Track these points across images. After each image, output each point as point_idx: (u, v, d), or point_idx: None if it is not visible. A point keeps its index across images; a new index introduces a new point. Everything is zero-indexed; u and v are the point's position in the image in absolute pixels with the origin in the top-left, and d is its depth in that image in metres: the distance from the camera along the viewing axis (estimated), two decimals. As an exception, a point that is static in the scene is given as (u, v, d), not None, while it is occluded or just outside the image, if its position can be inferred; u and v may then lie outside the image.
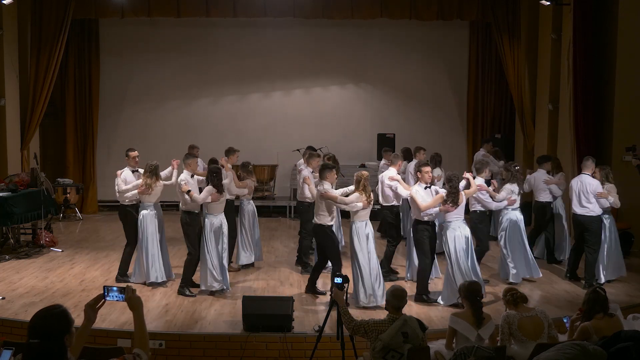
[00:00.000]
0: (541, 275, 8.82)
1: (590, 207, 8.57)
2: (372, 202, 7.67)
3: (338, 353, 5.66)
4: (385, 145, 13.05)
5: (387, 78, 15.13)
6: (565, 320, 5.88)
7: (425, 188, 7.86)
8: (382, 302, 7.25)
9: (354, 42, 14.92)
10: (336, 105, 15.22)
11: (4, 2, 11.47)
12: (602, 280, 8.65)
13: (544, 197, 9.70)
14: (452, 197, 7.55)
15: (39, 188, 10.62)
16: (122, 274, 8.62)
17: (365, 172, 7.72)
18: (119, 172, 8.84)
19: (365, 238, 7.59)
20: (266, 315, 6.58)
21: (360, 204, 7.58)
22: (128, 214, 8.60)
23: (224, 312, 7.29)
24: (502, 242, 8.78)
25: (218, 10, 13.43)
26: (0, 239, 10.12)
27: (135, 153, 8.85)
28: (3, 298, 7.63)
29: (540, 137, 13.11)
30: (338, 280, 5.44)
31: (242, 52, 14.83)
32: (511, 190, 8.66)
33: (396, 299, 5.07)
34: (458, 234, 7.64)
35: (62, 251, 10.31)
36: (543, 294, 8.26)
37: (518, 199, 8.76)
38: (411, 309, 7.22)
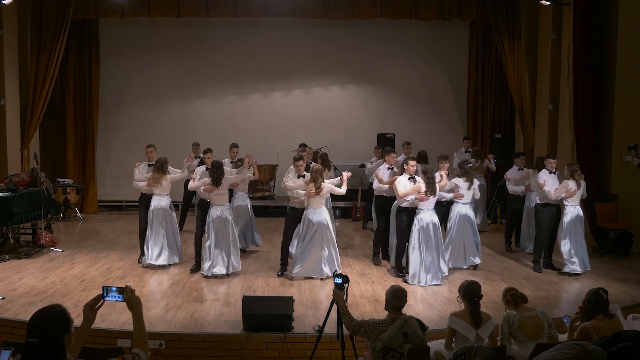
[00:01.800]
0: (476, 262, 9.39)
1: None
2: (321, 192, 8.54)
3: (338, 353, 5.66)
4: (386, 145, 13.06)
5: (387, 78, 15.13)
6: (565, 320, 5.87)
7: (409, 179, 8.79)
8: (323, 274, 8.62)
9: (354, 42, 14.92)
10: (336, 105, 15.22)
11: (4, 2, 11.47)
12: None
13: (510, 190, 10.80)
14: (430, 188, 8.54)
15: (39, 188, 10.61)
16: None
17: (317, 166, 8.77)
18: (137, 163, 9.79)
19: (309, 222, 8.59)
20: (266, 315, 6.58)
21: (302, 192, 8.69)
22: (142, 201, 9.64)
23: (224, 312, 7.29)
24: (449, 233, 9.45)
25: (218, 10, 13.41)
26: (0, 239, 10.11)
27: (149, 149, 9.78)
28: (3, 298, 7.63)
29: (540, 137, 13.11)
30: (338, 280, 5.44)
31: (242, 52, 14.83)
32: (456, 184, 9.33)
33: (396, 299, 5.06)
34: (427, 221, 8.58)
35: (62, 251, 10.31)
36: (543, 294, 8.27)
37: (467, 194, 9.35)
38: (411, 309, 7.23)
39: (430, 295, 8.10)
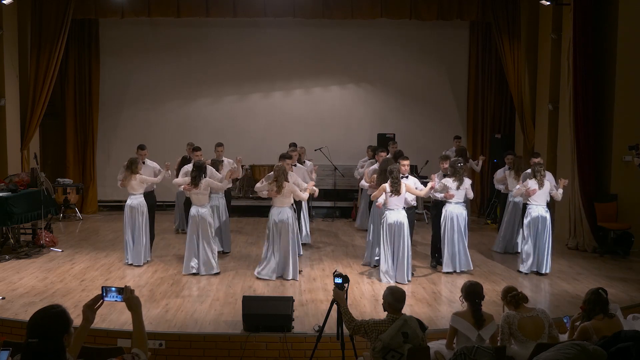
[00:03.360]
0: (471, 268, 9.25)
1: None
2: (282, 191, 8.59)
3: (338, 353, 5.66)
4: (386, 145, 13.08)
5: (387, 78, 15.13)
6: (565, 320, 5.86)
7: (401, 178, 8.78)
8: (289, 277, 8.67)
9: (354, 42, 14.92)
10: (336, 105, 15.22)
11: (4, 2, 11.47)
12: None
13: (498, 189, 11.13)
14: (394, 188, 8.50)
15: (39, 188, 10.61)
16: None
17: (280, 165, 8.78)
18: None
19: (274, 222, 8.65)
20: (266, 315, 6.58)
21: (265, 192, 8.79)
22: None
23: (224, 312, 7.29)
24: (442, 233, 9.31)
25: (218, 10, 13.41)
26: (0, 239, 10.11)
27: (143, 152, 10.02)
28: (3, 298, 7.62)
29: (540, 136, 13.11)
30: (338, 280, 5.44)
31: (242, 52, 14.84)
32: (444, 184, 9.17)
33: (396, 301, 5.05)
34: (393, 220, 8.56)
35: (62, 251, 10.31)
36: (543, 293, 8.27)
37: (458, 193, 9.20)
38: (412, 309, 7.23)
39: (430, 296, 8.10)
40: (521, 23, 13.59)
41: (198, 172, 8.93)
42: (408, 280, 8.63)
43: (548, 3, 11.66)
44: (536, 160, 9.68)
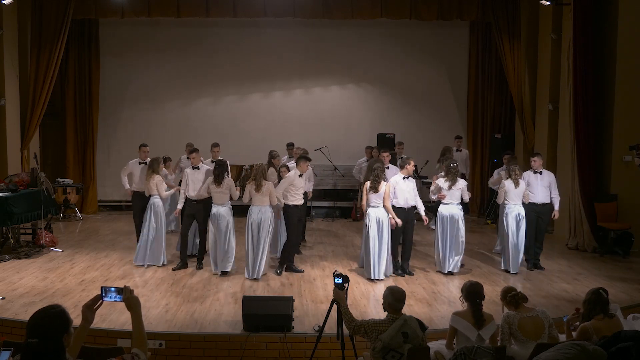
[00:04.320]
0: (456, 270, 9.18)
1: None
2: (262, 191, 8.71)
3: (338, 353, 5.66)
4: (386, 145, 13.10)
5: (387, 78, 15.13)
6: (565, 320, 5.86)
7: (403, 178, 9.01)
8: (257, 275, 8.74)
9: (354, 42, 14.92)
10: (336, 105, 15.22)
11: (4, 2, 11.47)
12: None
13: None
14: (373, 185, 8.71)
15: (39, 188, 10.61)
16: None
17: (259, 164, 8.84)
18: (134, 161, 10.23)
19: (250, 221, 8.74)
20: (266, 315, 6.58)
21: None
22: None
23: (224, 312, 7.29)
24: (437, 233, 9.30)
25: (218, 10, 13.42)
26: (0, 239, 10.11)
27: (146, 149, 10.21)
28: (3, 298, 7.62)
29: (540, 137, 13.10)
30: (338, 280, 5.44)
31: (242, 52, 14.84)
32: (437, 185, 9.21)
33: (396, 301, 5.05)
34: (375, 217, 8.71)
35: (62, 251, 10.31)
36: (543, 293, 8.26)
37: (450, 194, 9.13)
38: (411, 309, 7.23)
39: (429, 295, 8.10)
40: (521, 23, 13.59)
41: (220, 170, 8.92)
42: (386, 276, 8.77)
43: (548, 3, 11.66)
44: (533, 159, 9.64)
